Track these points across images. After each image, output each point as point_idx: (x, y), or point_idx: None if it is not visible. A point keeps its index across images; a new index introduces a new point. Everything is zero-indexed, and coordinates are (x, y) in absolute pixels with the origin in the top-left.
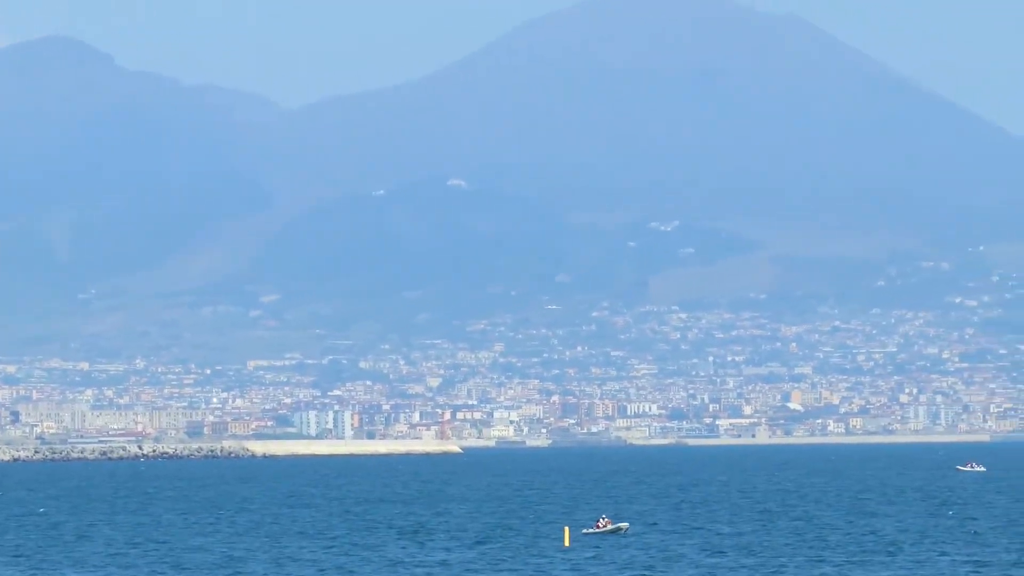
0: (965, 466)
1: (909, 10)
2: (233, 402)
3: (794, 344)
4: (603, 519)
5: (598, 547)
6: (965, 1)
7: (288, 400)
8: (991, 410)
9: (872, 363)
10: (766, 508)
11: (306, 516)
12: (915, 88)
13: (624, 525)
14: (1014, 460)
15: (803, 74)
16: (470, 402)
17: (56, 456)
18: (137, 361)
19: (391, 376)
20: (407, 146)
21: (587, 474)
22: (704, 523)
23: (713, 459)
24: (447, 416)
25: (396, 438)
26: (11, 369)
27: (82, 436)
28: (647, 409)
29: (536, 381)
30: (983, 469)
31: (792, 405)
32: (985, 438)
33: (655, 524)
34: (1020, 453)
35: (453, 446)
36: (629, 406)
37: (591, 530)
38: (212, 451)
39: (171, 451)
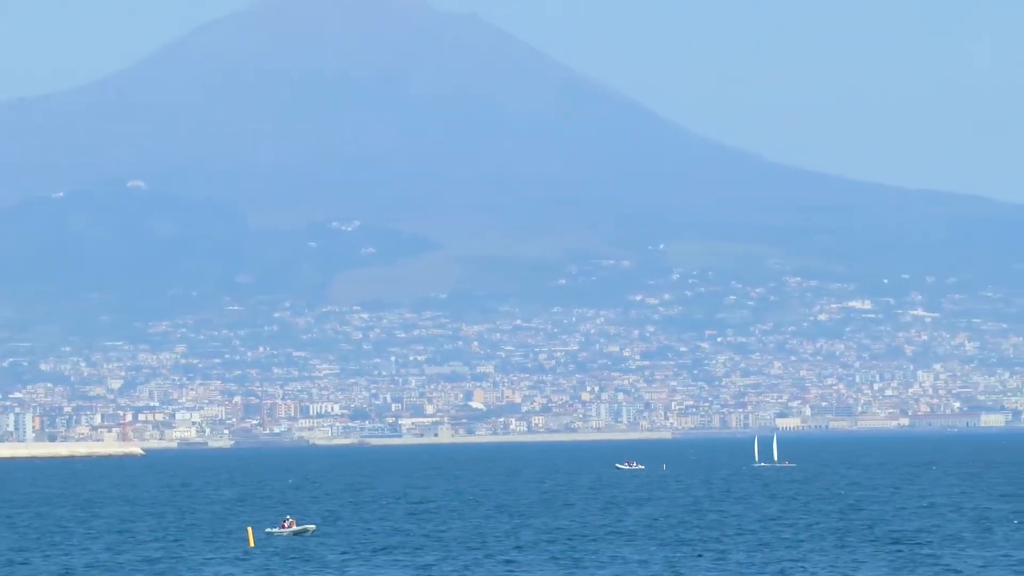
0: (624, 464)
1: (589, 11)
2: None
3: (476, 343)
4: (288, 520)
5: (283, 547)
6: (643, 2)
7: None
8: (672, 407)
9: (554, 361)
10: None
11: None
12: (595, 87)
13: (311, 527)
14: (675, 458)
15: (483, 74)
16: (152, 403)
17: None
18: None
19: (72, 378)
20: (86, 148)
21: (271, 474)
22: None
23: (393, 459)
24: (128, 418)
25: (78, 440)
26: None
27: None
28: (329, 409)
29: (218, 382)
30: (642, 467)
31: (474, 404)
32: (667, 435)
33: (339, 524)
34: (684, 450)
35: (135, 448)
36: (311, 406)
37: (276, 530)
38: None
39: None
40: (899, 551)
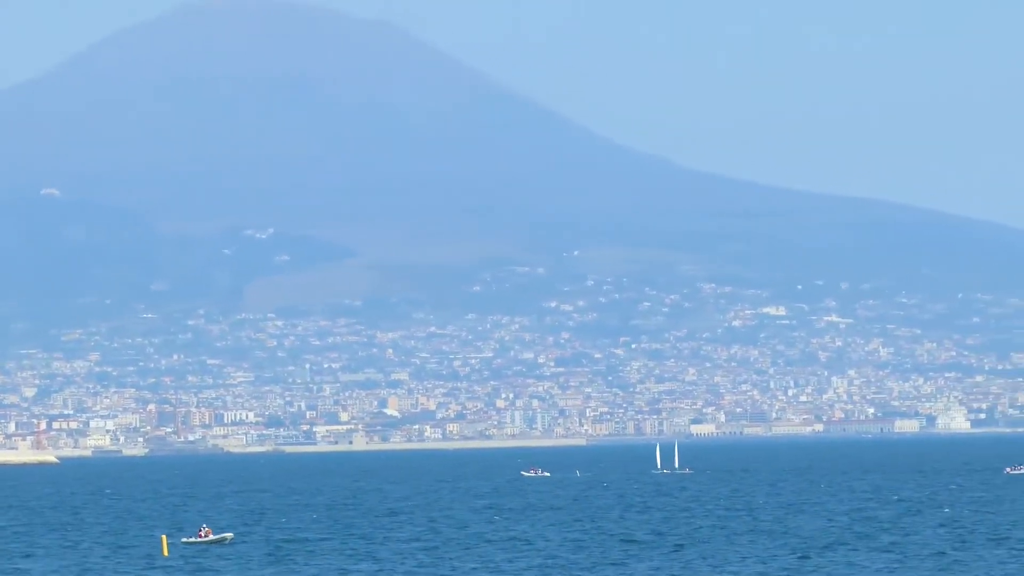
0: (530, 471)
1: (501, 17)
2: None
3: (390, 350)
4: (204, 529)
5: (198, 557)
6: (554, 6)
7: None
8: (587, 414)
9: (468, 368)
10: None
11: None
12: (508, 93)
13: (228, 535)
14: (582, 464)
15: (396, 80)
16: (66, 411)
17: None
18: None
19: None
20: None
21: (186, 483)
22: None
23: (306, 467)
24: (42, 426)
25: None
26: None
27: None
28: (244, 417)
29: (132, 390)
30: (548, 474)
31: (389, 411)
32: (581, 442)
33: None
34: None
35: (49, 456)
36: (226, 414)
37: (192, 540)
38: None
39: None
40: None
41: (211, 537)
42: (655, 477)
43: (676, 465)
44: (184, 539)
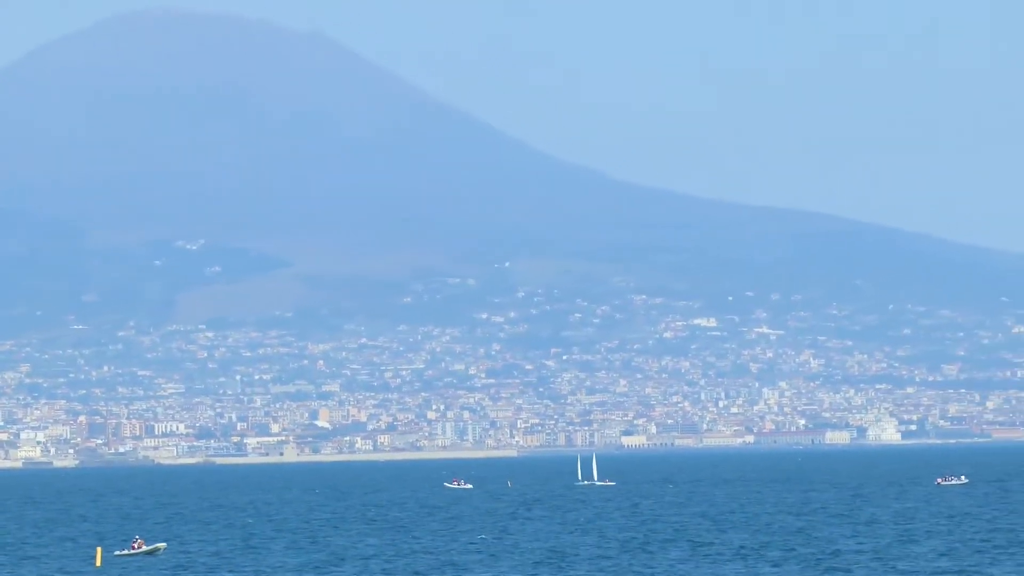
0: (452, 483)
1: (433, 29)
2: None
3: (321, 361)
4: (137, 540)
5: (130, 568)
6: (488, 19)
7: None
8: (518, 425)
9: (399, 380)
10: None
11: None
12: (439, 105)
13: (161, 545)
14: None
15: (328, 92)
16: None
17: None
18: None
19: None
20: None
21: (117, 495)
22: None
23: (242, 479)
24: None
25: None
26: None
27: None
28: (175, 428)
29: (63, 401)
30: (470, 486)
31: (320, 423)
32: (513, 453)
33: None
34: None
35: None
36: (156, 425)
37: (125, 552)
38: None
39: None
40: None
41: (144, 548)
42: (577, 489)
43: (595, 477)
44: (117, 552)
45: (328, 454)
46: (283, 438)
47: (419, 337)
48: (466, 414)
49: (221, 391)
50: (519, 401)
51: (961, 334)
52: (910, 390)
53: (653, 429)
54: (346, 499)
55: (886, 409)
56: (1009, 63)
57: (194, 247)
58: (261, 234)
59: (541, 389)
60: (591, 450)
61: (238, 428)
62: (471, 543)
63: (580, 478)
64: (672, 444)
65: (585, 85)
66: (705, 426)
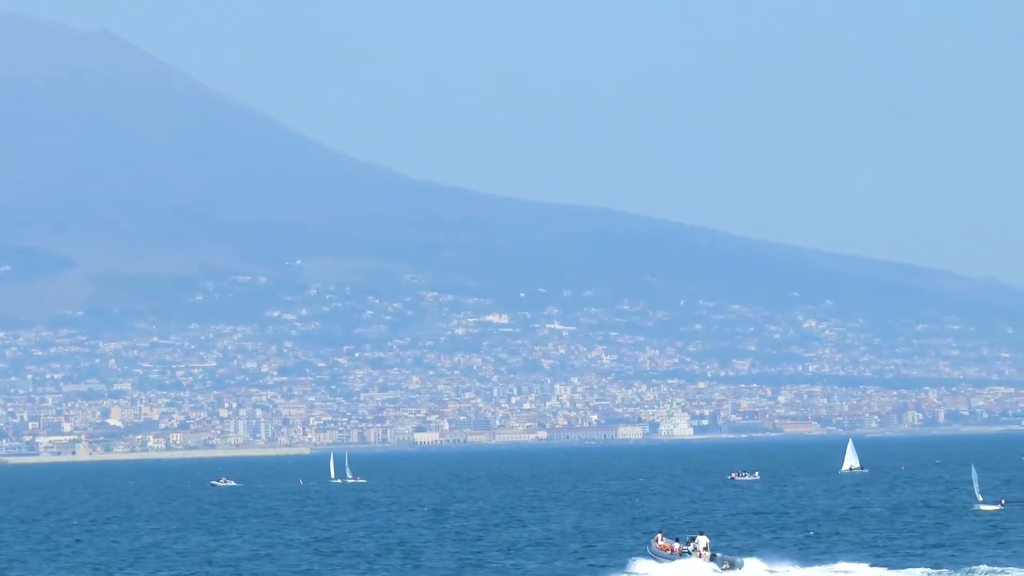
0: (218, 481)
1: (220, 26)
2: None
3: (113, 360)
4: None
5: None
6: (274, 15)
7: None
8: (311, 423)
9: (191, 378)
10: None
11: None
12: (228, 102)
13: None
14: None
15: (116, 90)
16: None
17: None
18: None
19: None
20: None
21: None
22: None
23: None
24: None
25: None
26: None
27: None
28: None
29: None
30: (236, 484)
31: (112, 421)
32: (306, 451)
33: None
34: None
35: None
36: None
37: None
38: None
39: None
40: None
41: None
42: (330, 486)
43: (348, 475)
44: None
45: (120, 452)
46: (75, 437)
47: (211, 335)
48: (258, 412)
49: (12, 390)
50: (311, 399)
51: (752, 329)
52: (701, 385)
53: (446, 426)
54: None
55: (678, 404)
56: (787, 57)
57: None
58: (49, 233)
59: (333, 387)
60: (388, 447)
61: (30, 427)
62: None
63: (333, 476)
64: (465, 440)
65: (375, 83)
66: (498, 422)
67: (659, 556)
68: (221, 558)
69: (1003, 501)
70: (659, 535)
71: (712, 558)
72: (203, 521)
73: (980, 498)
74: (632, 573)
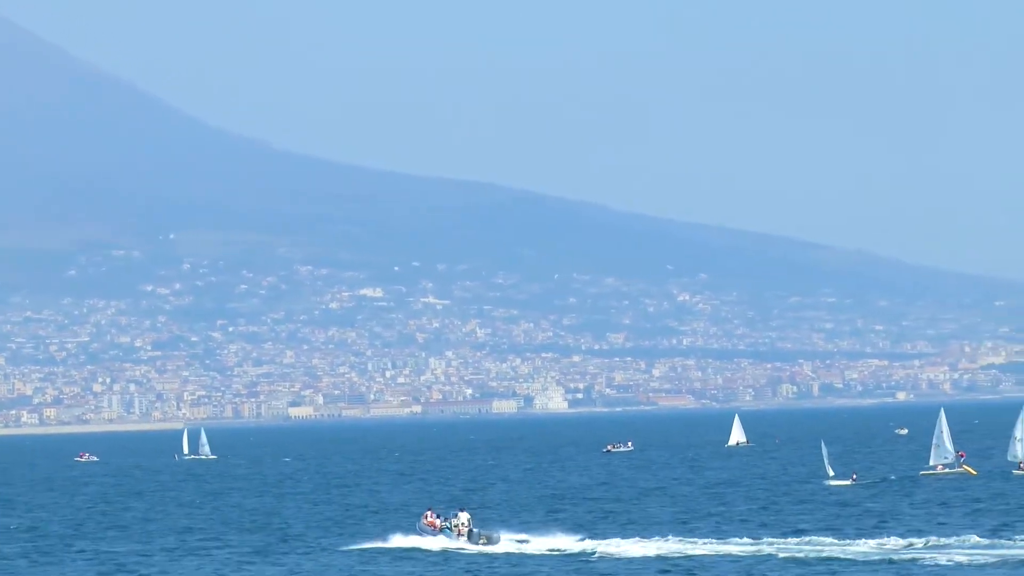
0: (80, 457)
1: (101, 2)
2: None
3: None
4: None
5: None
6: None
7: None
8: (185, 398)
9: (65, 353)
10: None
11: None
12: (101, 76)
13: None
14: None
15: None
16: None
17: None
18: None
19: None
20: None
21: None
22: None
23: None
24: None
25: None
26: None
27: None
28: None
29: None
30: (96, 459)
31: None
32: (179, 426)
33: None
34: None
35: None
36: None
37: None
38: None
39: None
40: None
41: None
42: (181, 462)
43: (202, 451)
44: None
45: None
46: None
47: (84, 310)
48: (132, 387)
49: None
50: (185, 373)
51: (626, 302)
52: (576, 359)
53: (320, 400)
54: None
55: (553, 378)
56: (667, 34)
57: None
58: None
59: (208, 361)
60: (262, 422)
61: None
62: None
63: (185, 451)
64: (340, 415)
65: (251, 55)
66: (372, 396)
67: (424, 532)
68: None
69: (854, 476)
70: (428, 511)
71: (469, 534)
72: None
73: (831, 472)
74: (384, 545)
